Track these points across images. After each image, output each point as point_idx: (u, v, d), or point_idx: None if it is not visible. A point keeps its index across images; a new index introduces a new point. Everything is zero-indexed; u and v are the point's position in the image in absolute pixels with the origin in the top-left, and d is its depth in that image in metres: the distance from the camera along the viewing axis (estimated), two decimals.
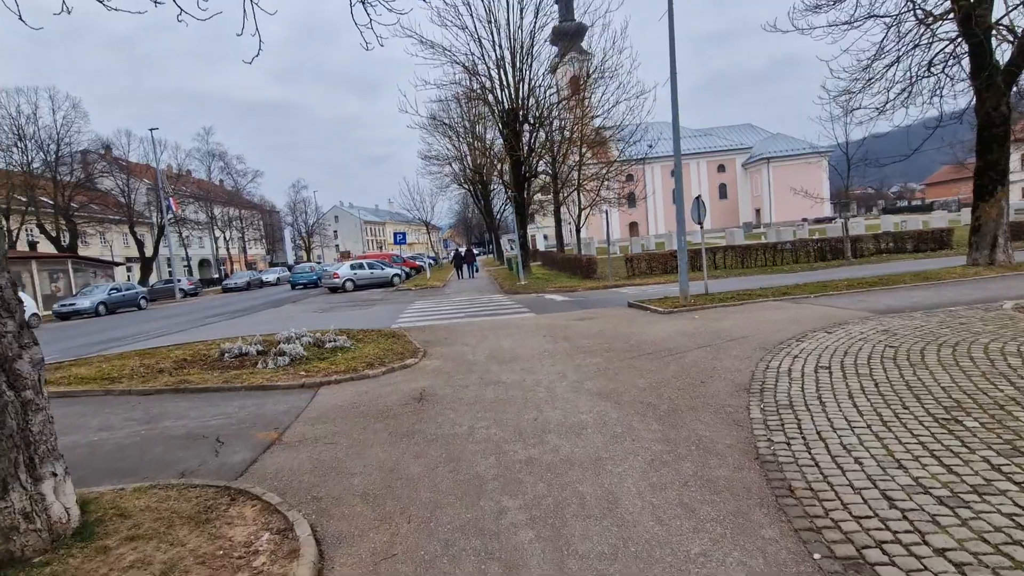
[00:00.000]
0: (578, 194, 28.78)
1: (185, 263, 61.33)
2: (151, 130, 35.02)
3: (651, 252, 24.97)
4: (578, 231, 29.50)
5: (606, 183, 29.95)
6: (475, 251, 42.17)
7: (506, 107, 25.66)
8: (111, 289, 25.87)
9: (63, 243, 39.19)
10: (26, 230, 39.97)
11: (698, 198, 12.67)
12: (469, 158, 35.31)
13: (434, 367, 7.85)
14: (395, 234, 30.56)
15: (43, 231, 38.31)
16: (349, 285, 27.28)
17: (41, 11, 5.06)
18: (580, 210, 28.64)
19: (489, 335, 10.41)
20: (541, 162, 29.14)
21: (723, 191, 78.53)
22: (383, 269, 28.91)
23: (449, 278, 31.58)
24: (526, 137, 26.42)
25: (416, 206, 49.14)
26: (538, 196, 36.97)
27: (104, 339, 14.99)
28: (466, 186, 46.99)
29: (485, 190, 45.16)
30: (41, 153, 38.07)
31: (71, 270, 29.52)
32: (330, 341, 9.34)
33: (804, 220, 63.52)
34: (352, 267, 28.34)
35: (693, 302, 11.68)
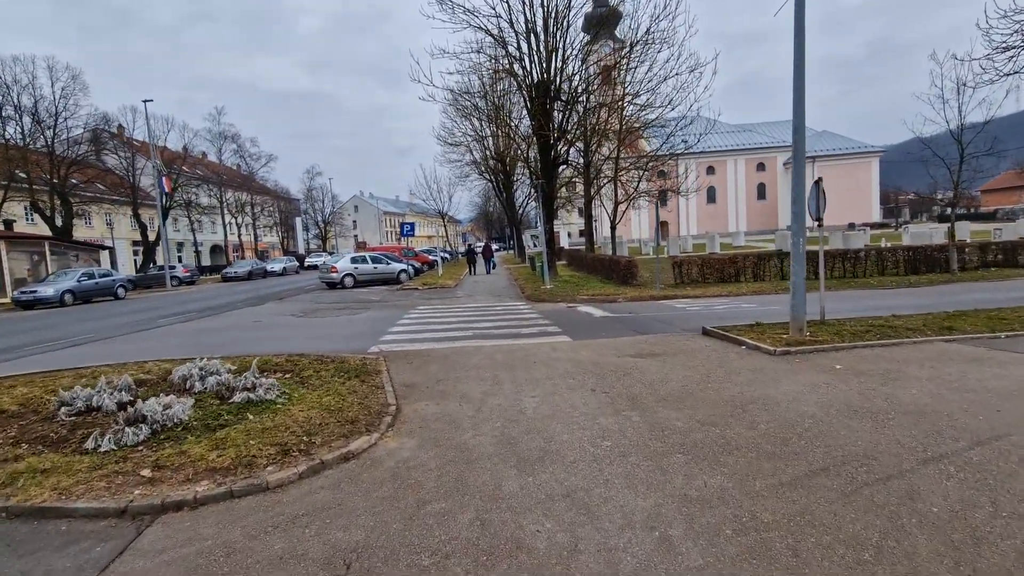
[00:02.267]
0: (615, 186, 24.86)
1: (196, 248, 59.14)
2: (145, 102, 32.13)
3: (705, 256, 20.98)
4: (613, 228, 25.59)
5: (645, 173, 25.99)
6: (494, 246, 38.72)
7: (535, 81, 21.92)
8: (82, 276, 22.89)
9: (57, 223, 36.73)
10: (24, 207, 37.66)
11: (818, 182, 8.74)
12: (491, 141, 31.62)
13: (397, 463, 4.21)
14: (402, 225, 27.07)
15: (37, 209, 35.86)
16: (348, 281, 23.86)
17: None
18: (616, 204, 24.75)
19: (504, 379, 6.73)
20: (572, 149, 25.34)
21: (761, 191, 73.41)
22: (388, 264, 25.44)
23: (462, 277, 28.03)
24: (558, 118, 22.65)
25: (432, 195, 45.65)
26: (563, 191, 33.22)
27: (14, 344, 11.73)
28: (487, 176, 43.46)
29: (507, 181, 41.53)
30: (37, 126, 35.58)
31: (48, 252, 26.72)
32: (242, 389, 5.75)
33: (852, 224, 58.37)
34: (353, 260, 24.92)
35: (810, 335, 7.84)
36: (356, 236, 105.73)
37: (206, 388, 5.90)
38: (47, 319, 17.08)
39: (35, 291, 21.07)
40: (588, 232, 27.60)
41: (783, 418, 4.78)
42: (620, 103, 22.63)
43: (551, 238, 21.67)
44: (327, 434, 4.76)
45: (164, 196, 38.00)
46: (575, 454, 4.23)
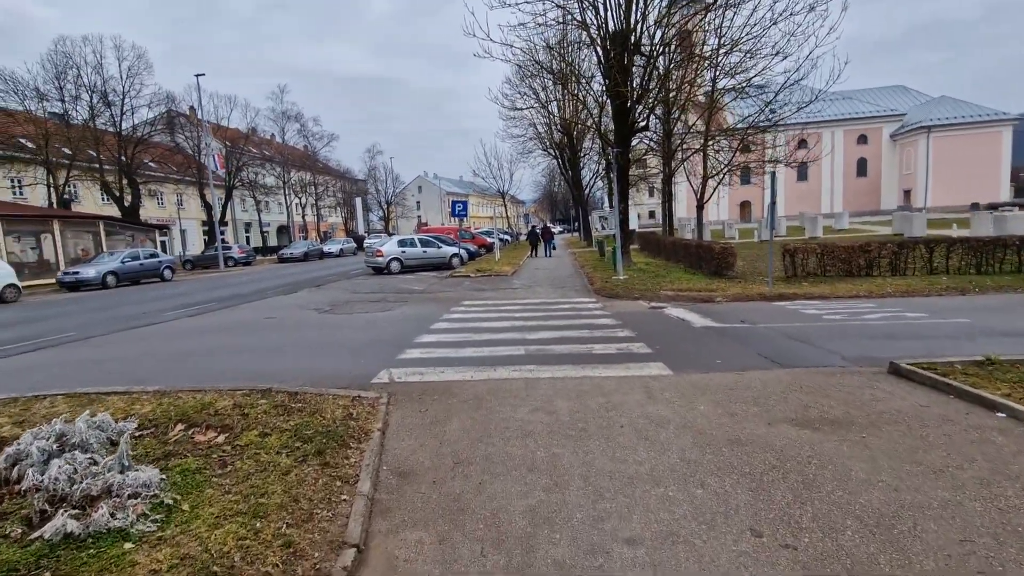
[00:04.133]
0: (703, 158, 20.85)
1: (262, 229, 60.01)
2: (197, 76, 31.25)
3: (826, 242, 16.68)
4: (700, 208, 21.60)
5: (739, 144, 21.71)
6: (556, 229, 35.99)
7: (611, 31, 18.31)
8: (126, 257, 22.03)
9: (125, 203, 37.16)
10: (96, 188, 38.32)
11: None
12: (556, 107, 28.21)
13: None
14: (453, 203, 24.37)
15: (107, 189, 36.35)
16: (395, 266, 21.56)
17: None
18: (705, 179, 20.76)
19: (571, 472, 3.73)
20: (651, 116, 21.54)
21: (862, 167, 65.02)
22: (439, 247, 22.92)
23: (522, 262, 25.08)
24: (637, 75, 18.97)
25: (492, 173, 42.87)
26: (633, 169, 29.41)
27: None
28: (552, 151, 40.12)
29: (574, 158, 38.05)
30: (104, 105, 35.79)
31: (103, 232, 26.31)
32: (78, 504, 3.08)
33: (976, 204, 50.02)
34: (400, 243, 22.56)
35: None
36: (419, 217, 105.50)
37: (43, 482, 3.29)
38: (67, 305, 15.85)
39: (78, 272, 20.30)
40: (667, 213, 23.80)
41: None
42: (715, 54, 18.55)
43: (625, 218, 18.20)
44: None
45: (222, 174, 37.59)
46: None
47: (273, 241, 62.30)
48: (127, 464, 3.40)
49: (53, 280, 21.56)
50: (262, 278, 23.45)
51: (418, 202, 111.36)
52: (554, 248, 32.71)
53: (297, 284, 19.30)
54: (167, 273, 23.73)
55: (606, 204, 58.87)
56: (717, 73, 19.50)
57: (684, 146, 22.06)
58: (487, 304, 12.39)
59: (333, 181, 66.67)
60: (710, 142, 21.21)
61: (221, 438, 4.36)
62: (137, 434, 4.45)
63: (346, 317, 11.25)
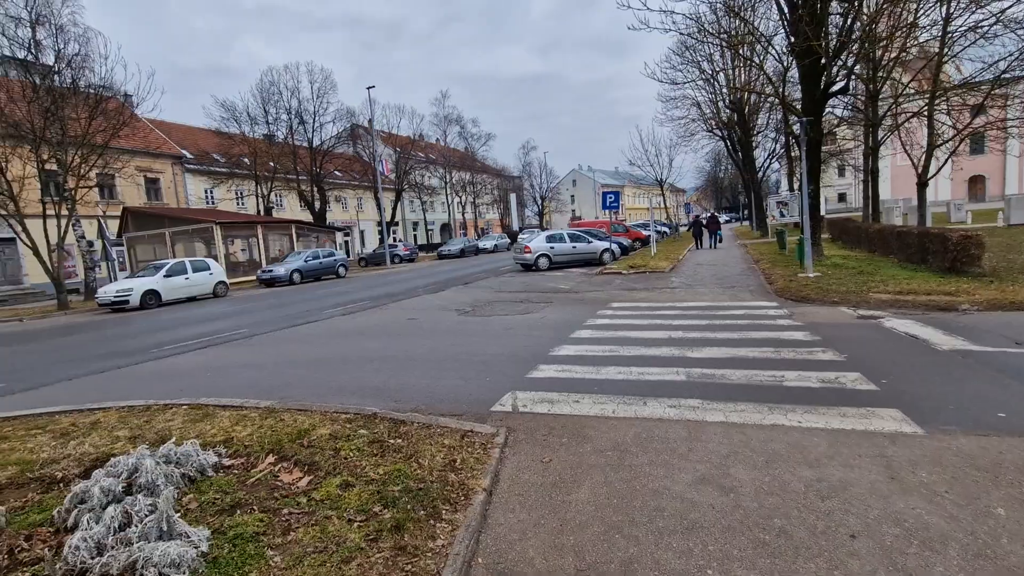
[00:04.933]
0: (928, 122, 16.25)
1: (427, 227, 64.61)
2: (368, 88, 34.01)
3: None
4: (922, 187, 16.86)
5: (985, 101, 16.48)
6: (723, 218, 32.55)
7: None
8: (308, 257, 24.78)
9: (315, 208, 42.44)
10: (294, 196, 44.43)
11: None
12: (724, 77, 24.88)
13: None
14: (604, 195, 22.73)
15: (302, 197, 41.86)
16: (543, 262, 20.77)
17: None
18: (931, 149, 16.12)
19: None
20: (851, 75, 17.43)
21: None
22: (589, 242, 21.56)
23: (682, 256, 22.53)
24: (834, 28, 15.45)
25: (649, 160, 40.06)
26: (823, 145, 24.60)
27: (169, 338, 11.35)
28: (718, 132, 36.06)
29: (745, 136, 33.66)
30: (300, 124, 41.12)
31: (294, 235, 30.07)
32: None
33: None
34: (548, 239, 21.71)
35: None
36: (573, 211, 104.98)
37: (64, 552, 2.78)
38: (256, 301, 17.93)
39: (271, 271, 23.27)
40: (871, 194, 19.25)
41: None
42: None
43: (815, 201, 14.88)
44: None
45: (392, 178, 40.84)
46: None
47: (437, 238, 66.72)
48: (165, 528, 2.74)
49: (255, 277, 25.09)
50: (418, 275, 24.50)
51: (572, 196, 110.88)
52: (720, 240, 29.44)
53: (447, 282, 19.55)
54: (341, 270, 26.17)
55: (783, 187, 51.64)
56: (952, 8, 14.94)
57: (898, 109, 17.50)
58: (640, 307, 10.77)
59: (490, 179, 69.14)
60: (938, 101, 16.45)
61: (304, 481, 3.64)
62: (227, 463, 3.98)
63: (484, 321, 10.56)
